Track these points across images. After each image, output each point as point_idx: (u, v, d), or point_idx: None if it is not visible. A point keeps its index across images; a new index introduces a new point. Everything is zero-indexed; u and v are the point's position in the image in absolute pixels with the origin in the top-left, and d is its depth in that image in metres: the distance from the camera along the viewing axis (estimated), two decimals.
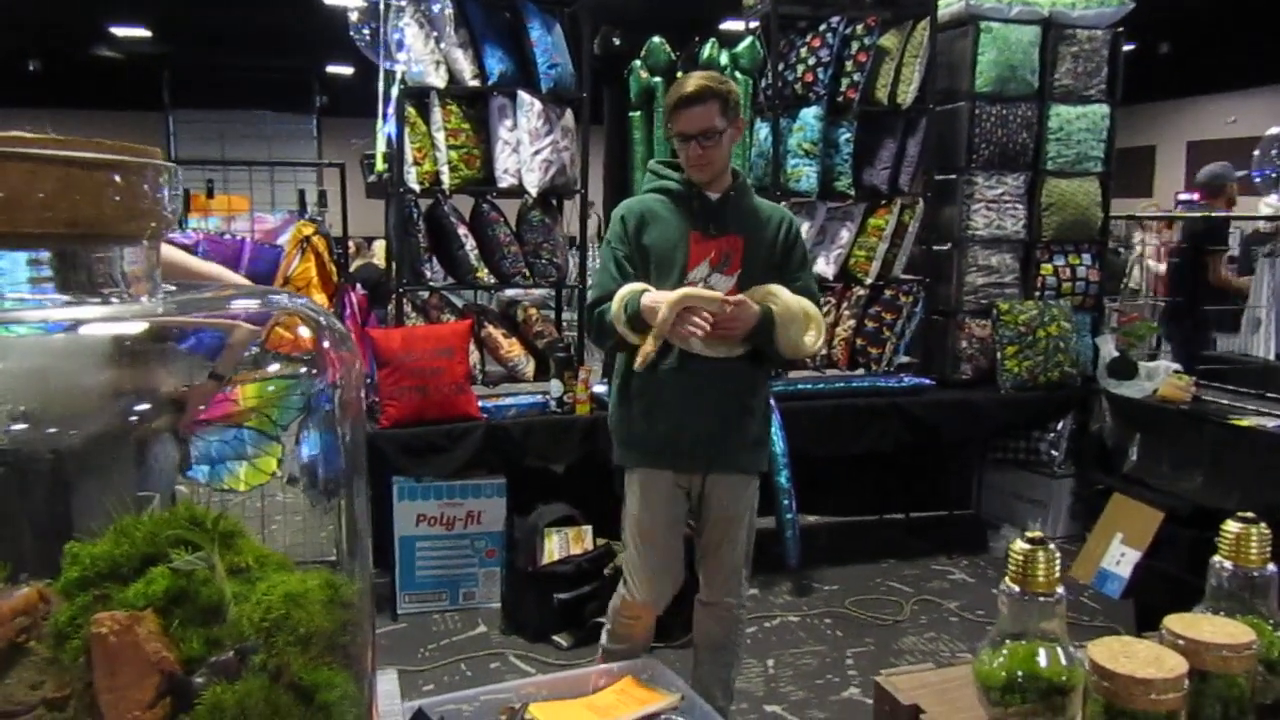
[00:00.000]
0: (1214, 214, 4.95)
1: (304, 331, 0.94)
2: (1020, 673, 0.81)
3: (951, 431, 4.33)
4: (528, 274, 4.09)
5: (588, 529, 3.81)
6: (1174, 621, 0.81)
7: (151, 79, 10.32)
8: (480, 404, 3.92)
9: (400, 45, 3.70)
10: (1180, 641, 0.79)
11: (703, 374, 2.40)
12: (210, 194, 3.81)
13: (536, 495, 3.90)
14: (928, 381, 4.35)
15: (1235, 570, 0.87)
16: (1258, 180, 4.01)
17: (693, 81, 2.37)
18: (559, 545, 3.75)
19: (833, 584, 4.09)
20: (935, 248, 4.48)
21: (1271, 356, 4.46)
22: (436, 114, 3.89)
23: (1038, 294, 4.49)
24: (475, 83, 3.93)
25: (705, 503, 2.56)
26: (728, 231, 2.42)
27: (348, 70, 10.33)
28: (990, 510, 4.75)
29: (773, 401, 2.87)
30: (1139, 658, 0.74)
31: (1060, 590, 0.82)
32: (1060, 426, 4.47)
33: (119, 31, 9.38)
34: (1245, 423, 3.79)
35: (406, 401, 3.74)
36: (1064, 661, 0.81)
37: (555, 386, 4.02)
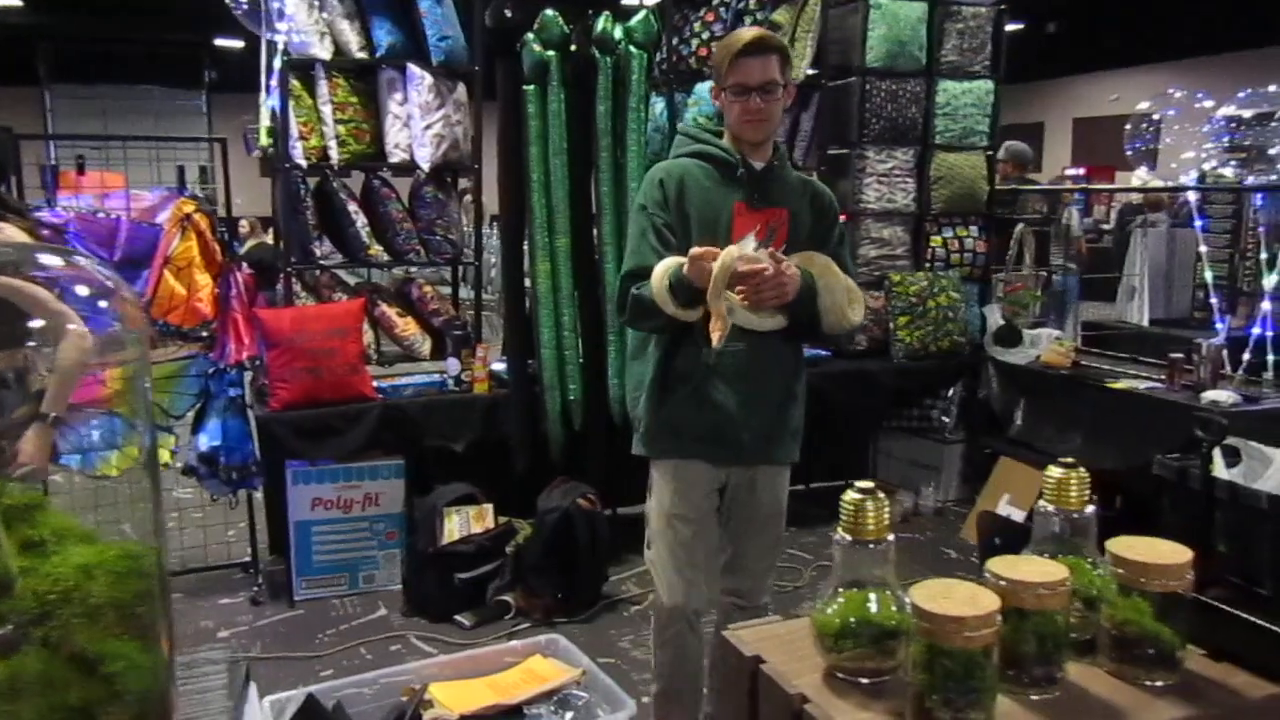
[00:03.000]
0: (1094, 186, 5.13)
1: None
2: (853, 619, 0.83)
3: (848, 401, 4.43)
4: (422, 251, 4.03)
5: (489, 507, 3.79)
6: (996, 564, 0.84)
7: (26, 52, 9.75)
8: (376, 384, 3.85)
9: (281, 15, 3.58)
10: (1002, 582, 0.82)
11: (757, 358, 2.22)
12: (81, 170, 3.63)
13: (436, 475, 3.86)
14: (824, 353, 4.43)
15: (1057, 513, 0.91)
16: (1129, 154, 4.18)
17: (753, 31, 2.21)
18: (460, 525, 3.72)
19: None
20: None
21: (1146, 322, 4.68)
22: (323, 87, 3.78)
23: (928, 265, 4.61)
24: (363, 55, 3.83)
25: (749, 497, 2.34)
26: (773, 203, 2.24)
27: (239, 44, 9.95)
28: (886, 477, 4.87)
29: None
30: (956, 598, 0.77)
31: (890, 537, 0.85)
32: (951, 394, 4.62)
33: None
34: (1120, 385, 3.97)
35: (298, 383, 3.65)
36: (894, 607, 0.83)
37: (453, 365, 3.97)
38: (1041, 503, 0.92)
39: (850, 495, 0.84)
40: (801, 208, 2.27)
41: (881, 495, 0.85)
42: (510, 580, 3.67)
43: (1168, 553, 0.85)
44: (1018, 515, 4.18)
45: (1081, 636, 0.90)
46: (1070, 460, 0.91)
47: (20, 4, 8.88)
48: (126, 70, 10.20)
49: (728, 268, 1.98)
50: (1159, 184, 4.46)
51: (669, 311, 2.08)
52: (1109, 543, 0.88)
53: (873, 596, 0.84)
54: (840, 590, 0.84)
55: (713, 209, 2.20)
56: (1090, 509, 0.91)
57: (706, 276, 1.98)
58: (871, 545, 0.84)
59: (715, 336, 1.98)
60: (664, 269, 2.10)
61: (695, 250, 2.00)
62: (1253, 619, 0.89)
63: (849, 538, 0.84)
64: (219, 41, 10.02)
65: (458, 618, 3.57)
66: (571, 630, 3.44)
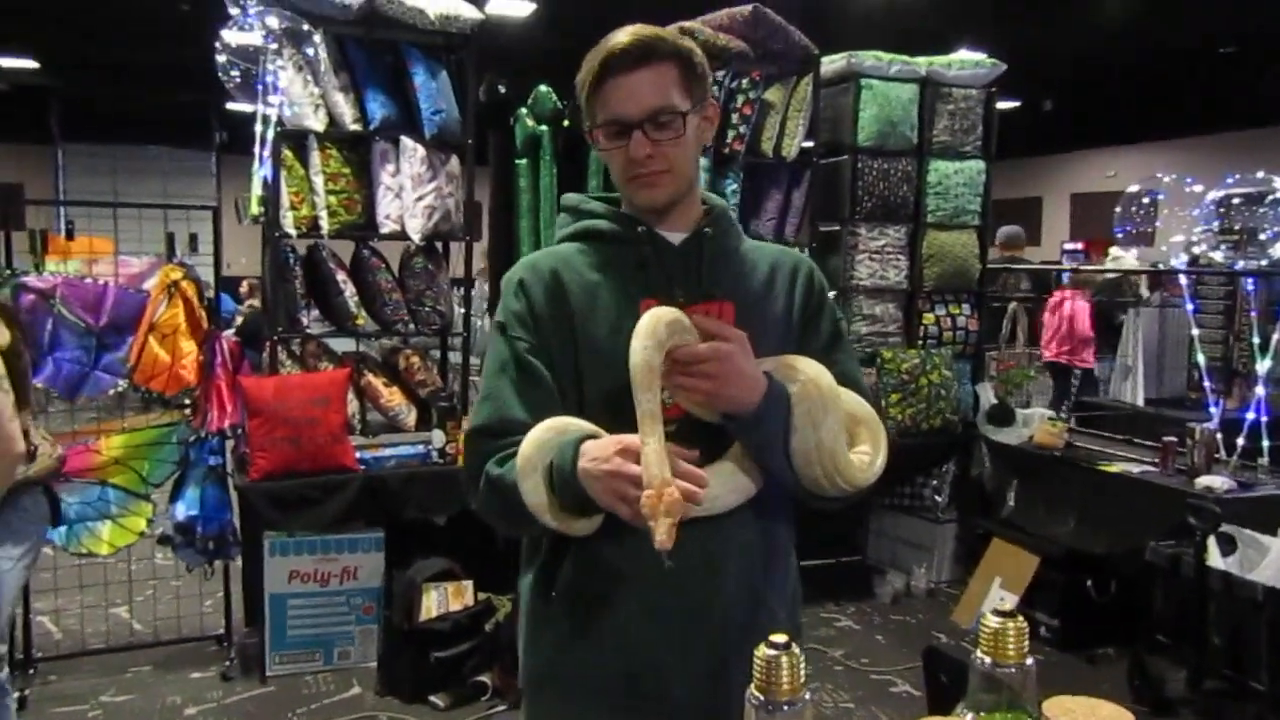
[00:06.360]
0: (1084, 267, 5.12)
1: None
2: None
3: None
4: (410, 321, 4.01)
5: (468, 584, 3.72)
6: None
7: (40, 111, 9.92)
8: (359, 454, 3.81)
9: (275, 88, 3.62)
10: None
11: (692, 546, 1.22)
12: (70, 235, 3.64)
13: (416, 548, 3.79)
14: None
15: (994, 666, 0.86)
16: (1119, 236, 4.18)
17: (628, 32, 1.31)
18: (437, 601, 3.65)
19: None
20: None
21: (1140, 403, 4.63)
22: (315, 157, 3.81)
23: (920, 342, 4.58)
24: (356, 127, 3.86)
25: None
26: (705, 295, 1.36)
27: (250, 107, 10.09)
28: (877, 555, 4.79)
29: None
30: None
31: (807, 695, 0.80)
32: (943, 471, 4.56)
33: (3, 62, 9.01)
34: (1113, 468, 3.91)
35: (278, 452, 3.61)
36: None
37: (437, 437, 3.93)
38: (978, 654, 0.88)
39: (763, 651, 0.80)
40: (760, 296, 1.41)
41: (796, 650, 0.80)
42: (487, 659, 3.58)
43: (1108, 718, 0.80)
44: (1010, 600, 4.09)
45: None
46: (1008, 609, 0.86)
47: (36, 65, 9.06)
48: (138, 130, 10.36)
49: (652, 368, 1.18)
50: (1146, 266, 4.46)
51: (547, 522, 1.26)
52: (1045, 705, 0.83)
53: None
54: None
55: (607, 315, 1.34)
56: (1030, 660, 0.86)
57: (615, 493, 1.17)
58: (786, 707, 0.79)
59: (661, 539, 1.11)
60: (537, 447, 1.25)
61: (613, 463, 1.17)
62: None
63: (761, 697, 0.79)
64: (230, 105, 10.20)
65: (432, 699, 3.48)
66: None
